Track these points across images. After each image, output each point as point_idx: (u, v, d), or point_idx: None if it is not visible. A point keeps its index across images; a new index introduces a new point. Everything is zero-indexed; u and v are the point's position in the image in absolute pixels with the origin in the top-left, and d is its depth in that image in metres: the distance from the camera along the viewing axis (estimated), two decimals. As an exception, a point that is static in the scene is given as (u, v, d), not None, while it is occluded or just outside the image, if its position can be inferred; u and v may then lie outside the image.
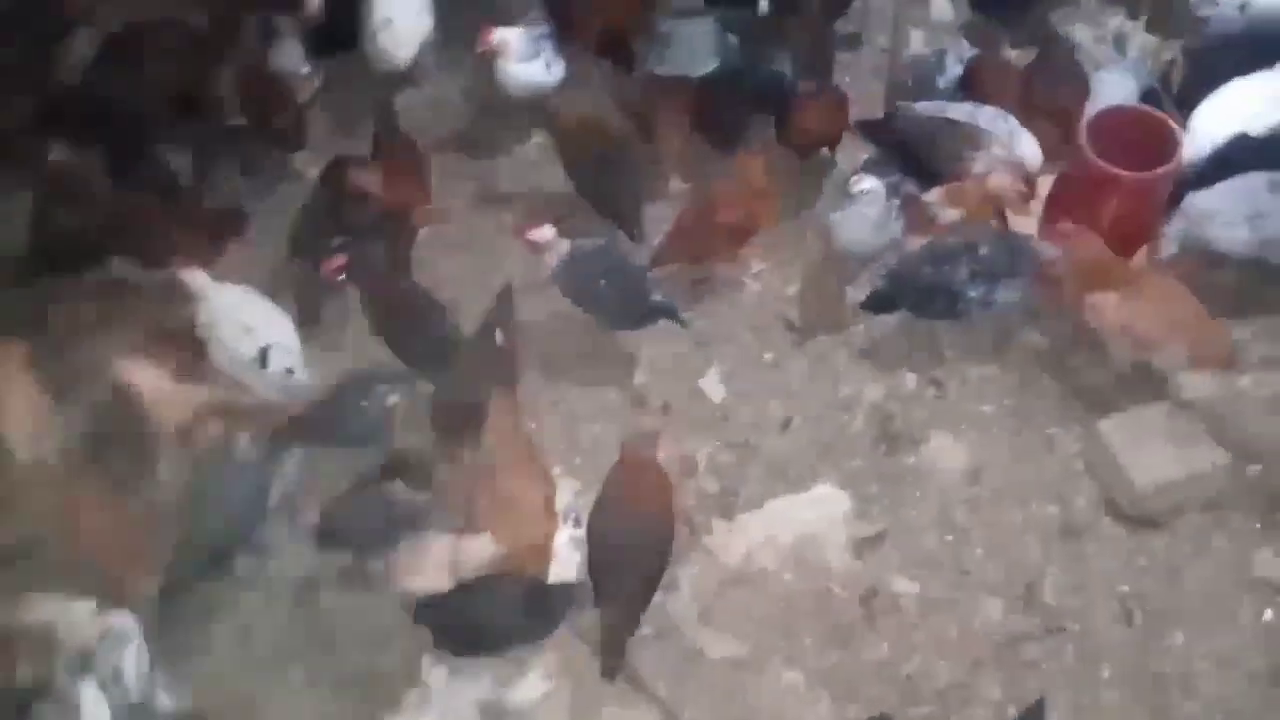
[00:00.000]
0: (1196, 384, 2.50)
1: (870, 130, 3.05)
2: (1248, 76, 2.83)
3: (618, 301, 2.68)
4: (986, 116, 2.85)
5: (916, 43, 3.28)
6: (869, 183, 2.74)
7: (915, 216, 2.76)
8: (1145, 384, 2.55)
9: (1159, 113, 2.76)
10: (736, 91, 3.08)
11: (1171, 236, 2.64)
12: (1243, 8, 3.02)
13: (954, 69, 3.14)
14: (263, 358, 2.54)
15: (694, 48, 3.13)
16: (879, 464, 2.58)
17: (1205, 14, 3.09)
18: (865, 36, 3.42)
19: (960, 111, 2.89)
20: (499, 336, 2.61)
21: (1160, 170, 2.61)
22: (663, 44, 3.17)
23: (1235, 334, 2.60)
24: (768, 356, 2.80)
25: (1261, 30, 2.99)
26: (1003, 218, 2.81)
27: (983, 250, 2.61)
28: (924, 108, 2.96)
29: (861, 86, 3.23)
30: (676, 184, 3.10)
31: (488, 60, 3.03)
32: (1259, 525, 2.42)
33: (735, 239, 2.83)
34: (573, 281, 2.68)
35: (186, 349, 2.60)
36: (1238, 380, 2.51)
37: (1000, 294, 2.61)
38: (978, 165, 2.79)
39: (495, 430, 2.45)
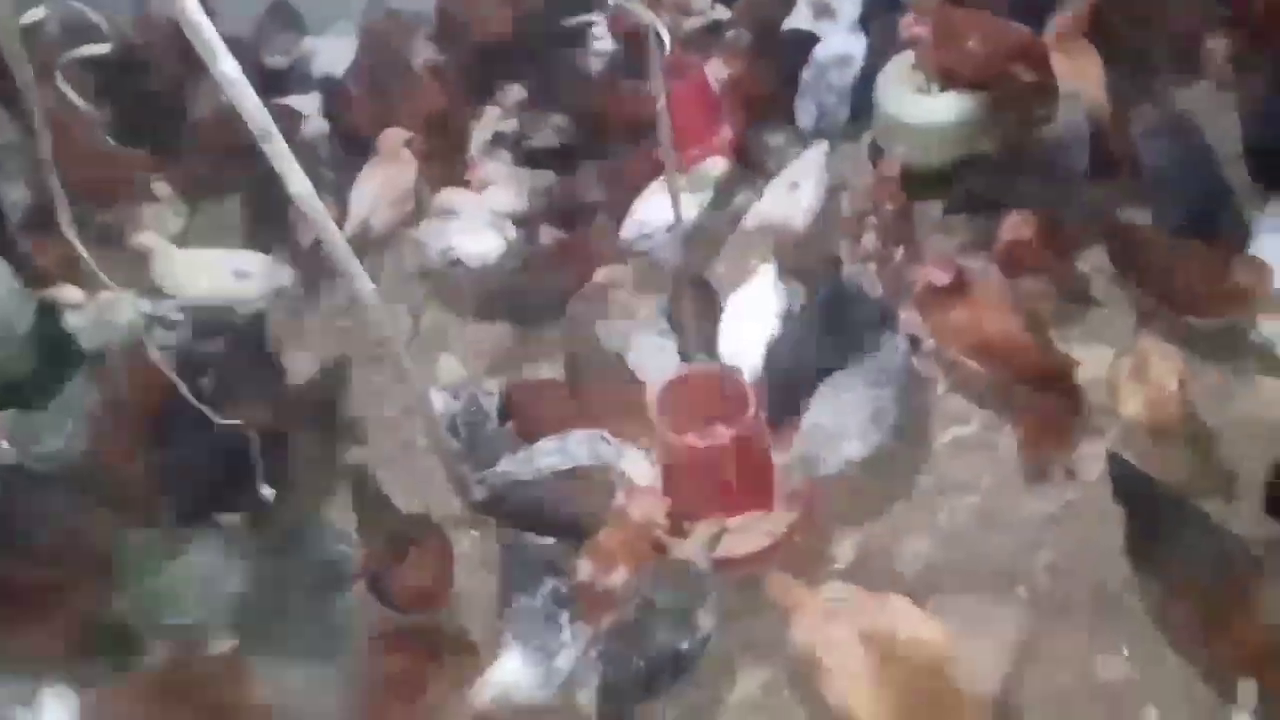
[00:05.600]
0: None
1: (484, 510, 2.63)
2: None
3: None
4: (581, 446, 2.57)
5: (438, 402, 2.91)
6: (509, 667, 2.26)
7: (589, 605, 2.34)
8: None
9: (719, 366, 2.70)
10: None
11: (793, 464, 2.54)
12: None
13: (491, 403, 2.86)
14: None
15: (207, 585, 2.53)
16: None
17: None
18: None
19: (550, 454, 2.59)
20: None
21: (747, 419, 2.44)
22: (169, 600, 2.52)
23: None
24: None
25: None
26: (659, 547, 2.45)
27: (655, 598, 2.25)
28: (510, 466, 2.62)
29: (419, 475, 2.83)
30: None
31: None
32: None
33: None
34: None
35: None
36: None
37: (702, 623, 2.25)
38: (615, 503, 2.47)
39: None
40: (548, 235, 3.26)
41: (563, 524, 2.51)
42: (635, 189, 3.20)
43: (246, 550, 2.59)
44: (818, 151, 3.16)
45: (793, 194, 3.10)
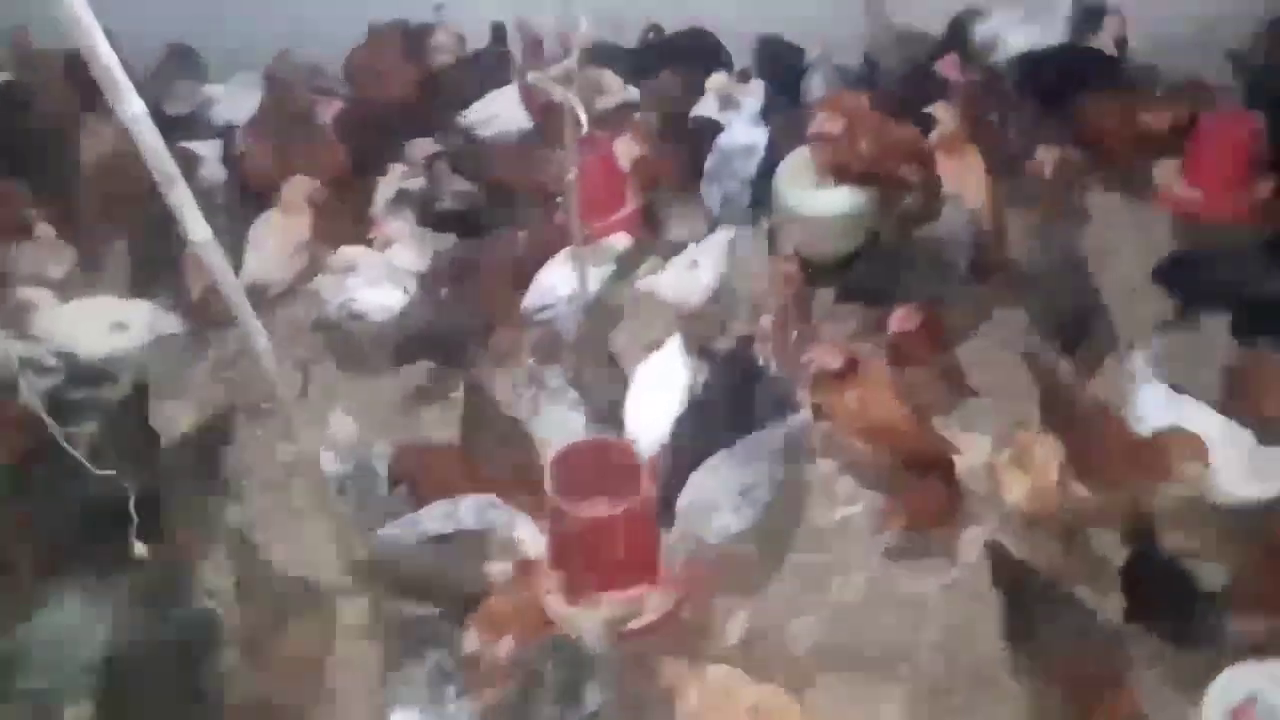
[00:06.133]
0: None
1: (367, 575, 2.55)
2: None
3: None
4: (473, 512, 2.53)
5: (329, 462, 2.82)
6: None
7: (475, 677, 2.28)
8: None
9: (611, 439, 2.70)
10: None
11: (675, 546, 2.57)
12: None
13: (383, 465, 2.78)
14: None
15: (64, 646, 2.36)
16: None
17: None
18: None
19: (437, 519, 2.54)
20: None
21: (637, 491, 2.44)
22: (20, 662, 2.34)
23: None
24: None
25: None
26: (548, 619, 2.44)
27: (546, 675, 2.25)
28: (395, 529, 2.55)
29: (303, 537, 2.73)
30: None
31: None
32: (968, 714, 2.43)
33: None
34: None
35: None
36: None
37: (589, 698, 2.25)
38: (497, 570, 2.44)
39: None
40: (448, 296, 3.23)
41: (446, 591, 2.46)
42: (540, 258, 3.22)
43: (110, 611, 2.43)
44: (721, 234, 3.25)
45: (692, 272, 3.17)
